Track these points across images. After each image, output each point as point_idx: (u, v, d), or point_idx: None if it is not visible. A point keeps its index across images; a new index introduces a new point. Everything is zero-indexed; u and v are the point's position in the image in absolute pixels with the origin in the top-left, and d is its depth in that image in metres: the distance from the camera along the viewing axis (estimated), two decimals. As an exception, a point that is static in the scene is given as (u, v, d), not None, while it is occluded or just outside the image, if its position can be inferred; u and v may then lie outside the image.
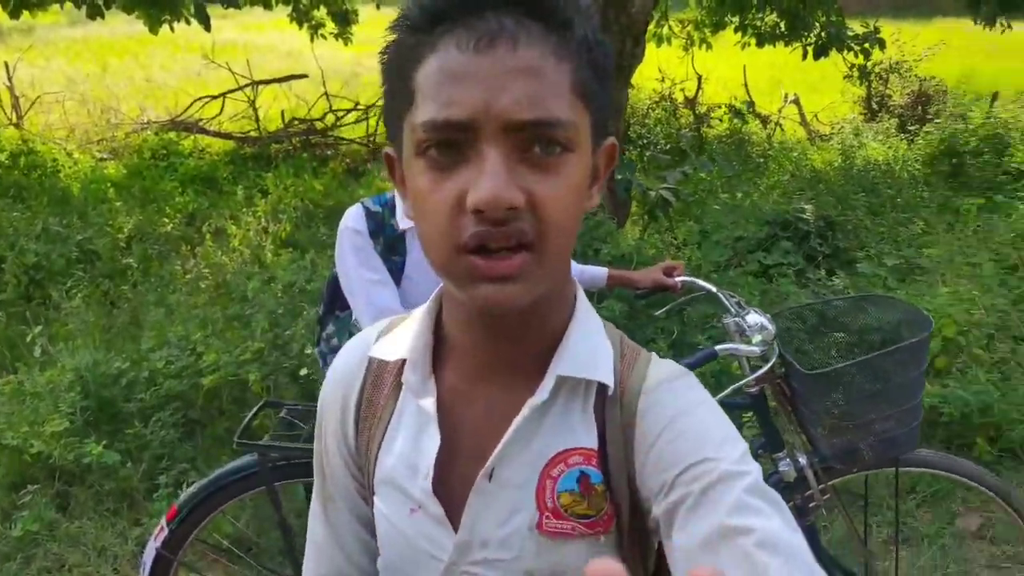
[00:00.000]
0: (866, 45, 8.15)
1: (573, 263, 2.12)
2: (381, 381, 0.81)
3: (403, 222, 1.71)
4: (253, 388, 2.99)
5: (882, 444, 1.85)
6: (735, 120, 8.55)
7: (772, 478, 1.93)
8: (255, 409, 1.99)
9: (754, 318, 1.82)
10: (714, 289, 2.05)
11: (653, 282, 2.09)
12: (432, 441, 0.75)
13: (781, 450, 1.94)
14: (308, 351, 3.09)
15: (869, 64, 8.60)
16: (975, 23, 13.83)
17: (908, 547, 2.48)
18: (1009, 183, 6.48)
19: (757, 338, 1.79)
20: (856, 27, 8.07)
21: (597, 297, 2.98)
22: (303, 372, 3.06)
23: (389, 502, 0.79)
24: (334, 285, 2.01)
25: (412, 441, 0.78)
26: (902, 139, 8.41)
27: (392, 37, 0.67)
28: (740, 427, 2.69)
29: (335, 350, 2.05)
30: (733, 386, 1.83)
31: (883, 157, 7.88)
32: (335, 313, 2.10)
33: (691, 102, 9.30)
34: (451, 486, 0.76)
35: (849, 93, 9.96)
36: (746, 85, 9.68)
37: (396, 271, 1.73)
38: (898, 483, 1.93)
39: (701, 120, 8.93)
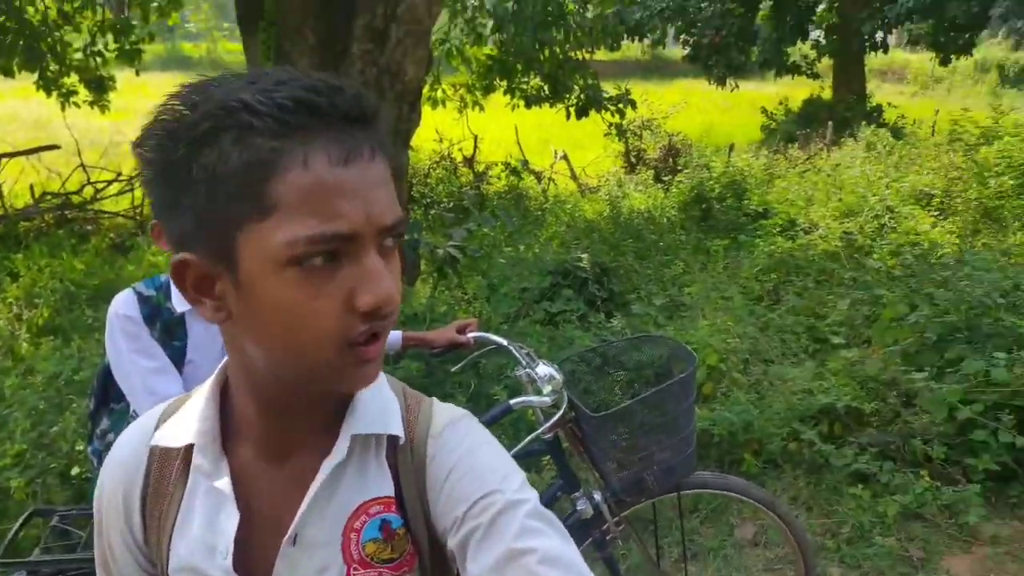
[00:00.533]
0: (620, 105, 8.99)
1: None
2: (166, 469, 0.80)
3: (180, 304, 1.65)
4: (15, 495, 2.68)
5: (663, 472, 2.02)
6: (512, 177, 9.01)
7: (571, 517, 2.03)
8: (21, 520, 1.79)
9: (543, 369, 1.93)
10: (504, 342, 2.15)
11: (448, 341, 2.15)
12: (230, 519, 0.76)
13: (578, 489, 2.05)
14: (79, 447, 2.82)
15: (624, 122, 9.44)
16: (709, 83, 15.61)
17: (696, 562, 2.70)
18: (749, 223, 7.33)
19: (547, 388, 1.90)
20: (611, 89, 8.90)
21: (393, 356, 3.00)
22: (74, 472, 2.78)
23: None
24: (106, 376, 1.89)
25: (207, 523, 0.77)
26: (659, 188, 9.26)
27: (209, 128, 0.62)
28: (540, 472, 2.81)
29: (111, 446, 1.90)
30: (530, 436, 1.92)
31: (645, 205, 8.61)
32: (109, 406, 1.96)
33: (469, 161, 9.70)
34: (253, 559, 0.77)
35: (610, 148, 10.86)
36: (519, 143, 10.24)
37: (177, 356, 1.66)
38: (680, 506, 2.11)
39: (480, 178, 9.32)
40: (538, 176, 9.94)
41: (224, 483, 0.76)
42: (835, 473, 3.03)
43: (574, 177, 10.42)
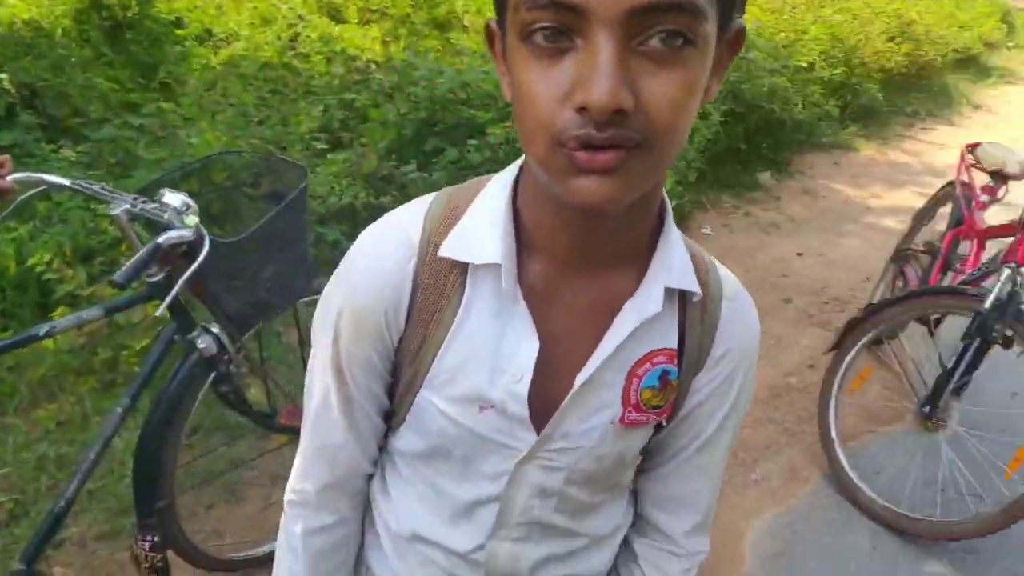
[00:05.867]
0: None
1: None
2: (438, 278, 0.75)
3: None
4: None
5: (283, 289, 2.04)
6: None
7: (192, 357, 1.92)
8: None
9: (175, 198, 1.70)
10: (67, 181, 1.80)
11: None
12: (529, 346, 0.74)
13: (194, 328, 1.92)
14: None
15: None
16: None
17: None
18: (166, 33, 6.77)
19: (190, 219, 1.70)
20: None
21: None
22: None
23: (450, 401, 0.77)
24: None
25: (491, 344, 0.75)
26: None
27: None
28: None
29: None
30: (150, 280, 1.71)
31: (28, 14, 7.21)
32: None
33: None
34: (535, 387, 0.75)
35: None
36: None
37: None
38: (297, 318, 2.16)
39: None
40: None
41: (522, 308, 0.73)
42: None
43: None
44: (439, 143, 3.83)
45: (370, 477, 0.91)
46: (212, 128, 3.58)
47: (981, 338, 2.45)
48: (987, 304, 2.41)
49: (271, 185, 2.25)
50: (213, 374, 1.97)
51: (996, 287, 2.43)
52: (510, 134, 3.72)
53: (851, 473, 2.69)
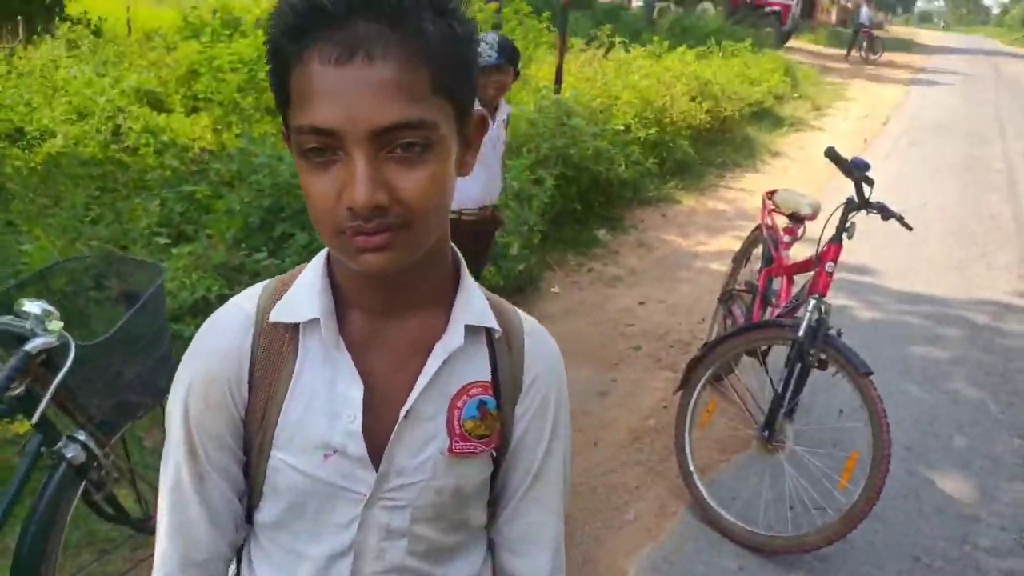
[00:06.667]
0: None
1: None
2: (275, 344, 0.86)
3: None
4: None
5: (147, 389, 2.01)
6: None
7: (60, 468, 1.85)
8: None
9: (35, 306, 1.66)
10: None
11: None
12: (354, 388, 0.84)
13: (60, 438, 1.87)
14: None
15: None
16: None
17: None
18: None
19: (54, 325, 1.66)
20: None
21: None
22: None
23: (296, 453, 0.86)
24: None
25: (325, 393, 0.84)
26: None
27: (269, 29, 0.73)
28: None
29: None
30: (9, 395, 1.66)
31: None
32: None
33: None
34: (367, 426, 0.85)
35: None
36: None
37: None
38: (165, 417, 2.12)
39: None
40: None
41: (344, 354, 0.84)
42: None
43: None
44: (287, 228, 3.86)
45: (229, 564, 0.95)
46: (46, 234, 3.43)
47: (800, 363, 2.78)
48: (801, 332, 2.74)
49: (121, 286, 2.23)
50: (83, 483, 1.92)
51: (806, 317, 2.77)
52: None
53: (711, 502, 2.92)
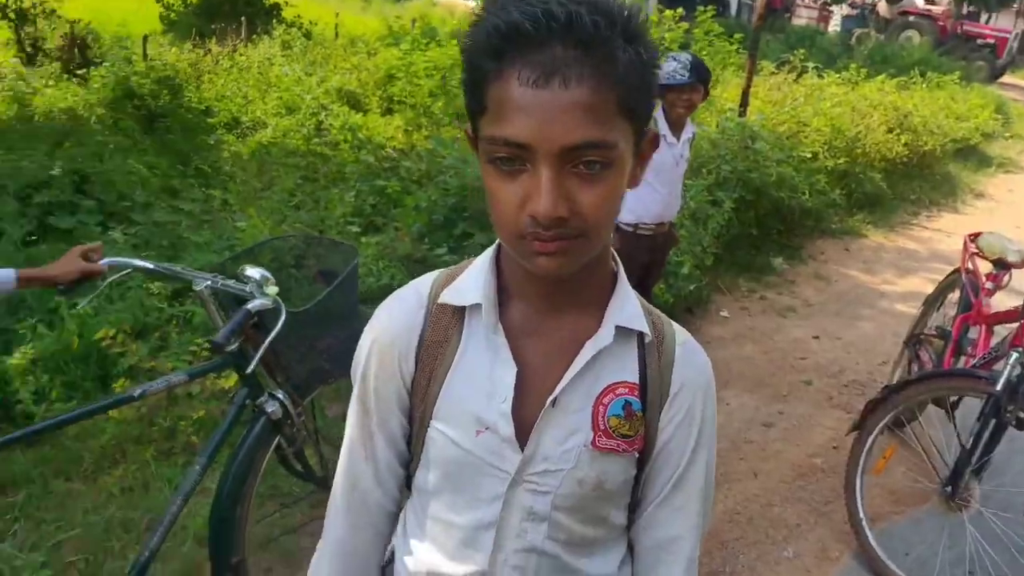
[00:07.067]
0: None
1: None
2: (442, 322, 0.94)
3: None
4: None
5: (338, 359, 2.17)
6: None
7: (259, 421, 2.04)
8: None
9: (255, 272, 1.86)
10: (150, 265, 1.97)
11: (79, 272, 1.84)
12: (509, 371, 0.90)
13: (263, 394, 2.05)
14: None
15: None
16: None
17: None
18: (198, 122, 7.08)
19: (272, 289, 1.85)
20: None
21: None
22: None
23: (454, 426, 0.92)
24: None
25: (485, 373, 0.91)
26: (73, 83, 8.16)
27: (467, 40, 0.79)
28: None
29: None
30: (226, 347, 1.84)
31: (65, 103, 7.55)
32: None
33: None
34: (518, 410, 0.90)
35: (-6, 36, 9.06)
36: None
37: None
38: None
39: None
40: None
41: (502, 340, 0.90)
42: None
43: (-50, 67, 8.42)
44: (467, 228, 4.01)
45: (391, 520, 1.04)
46: (258, 214, 3.76)
47: (995, 419, 2.56)
48: (999, 387, 2.52)
49: (319, 265, 2.42)
50: (278, 437, 2.10)
51: (1006, 370, 2.55)
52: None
53: (880, 552, 2.74)
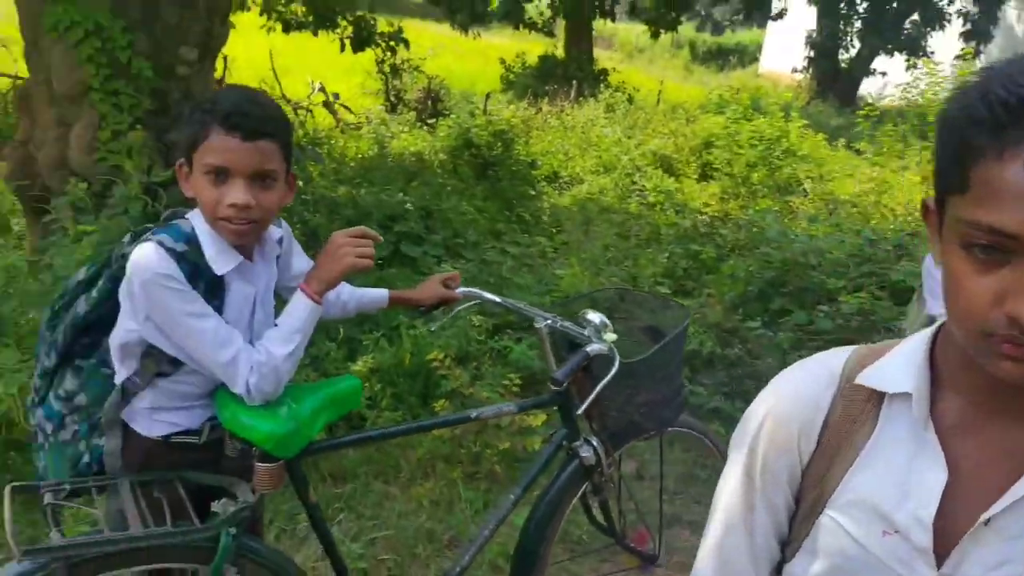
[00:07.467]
0: (392, 43, 8.78)
1: (351, 288, 1.97)
2: (854, 405, 0.85)
3: (221, 266, 1.48)
4: None
5: (654, 415, 2.15)
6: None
7: (572, 464, 2.07)
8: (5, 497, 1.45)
9: (595, 317, 1.93)
10: (498, 299, 2.10)
11: (438, 297, 2.05)
12: (938, 474, 0.79)
13: (579, 437, 2.09)
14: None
15: (394, 60, 9.24)
16: (452, 28, 15.66)
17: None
18: (523, 173, 7.61)
19: (608, 336, 1.90)
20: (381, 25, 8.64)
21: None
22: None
23: (854, 520, 0.83)
24: (75, 331, 1.60)
25: (902, 469, 0.81)
26: (423, 130, 9.21)
27: (951, 109, 0.72)
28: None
29: (80, 408, 1.59)
30: (563, 384, 1.90)
31: (415, 147, 8.54)
32: (74, 363, 1.63)
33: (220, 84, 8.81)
34: (937, 519, 0.79)
35: (366, 86, 10.55)
36: (274, 70, 9.52)
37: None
38: (661, 444, 2.26)
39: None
40: (295, 107, 9.36)
41: (932, 436, 0.79)
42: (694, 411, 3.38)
43: (332, 111, 9.96)
44: (785, 304, 3.82)
45: None
46: (579, 264, 3.92)
47: None
48: None
49: (646, 320, 2.42)
50: (587, 483, 2.12)
51: None
52: (863, 305, 3.62)
53: None
